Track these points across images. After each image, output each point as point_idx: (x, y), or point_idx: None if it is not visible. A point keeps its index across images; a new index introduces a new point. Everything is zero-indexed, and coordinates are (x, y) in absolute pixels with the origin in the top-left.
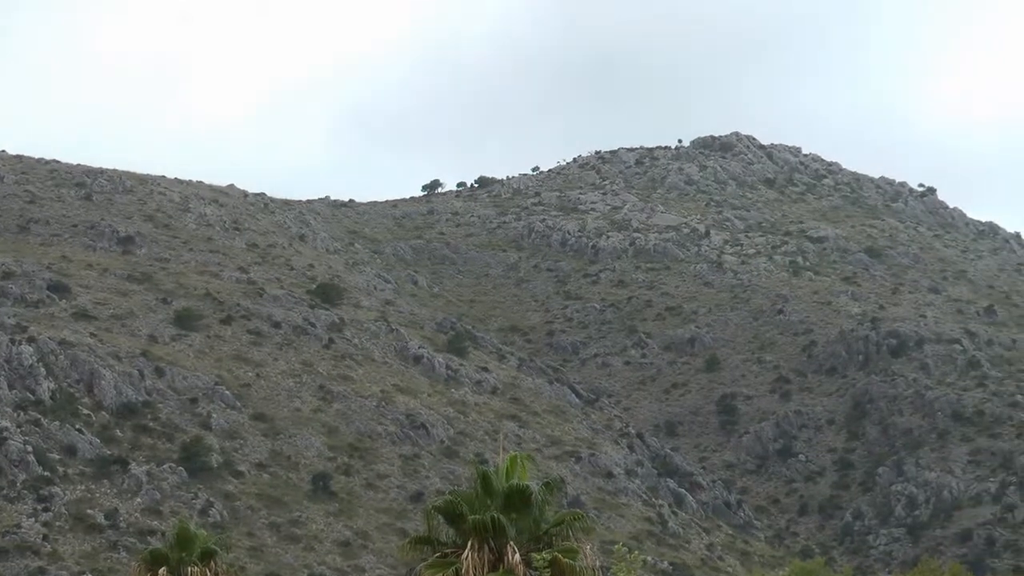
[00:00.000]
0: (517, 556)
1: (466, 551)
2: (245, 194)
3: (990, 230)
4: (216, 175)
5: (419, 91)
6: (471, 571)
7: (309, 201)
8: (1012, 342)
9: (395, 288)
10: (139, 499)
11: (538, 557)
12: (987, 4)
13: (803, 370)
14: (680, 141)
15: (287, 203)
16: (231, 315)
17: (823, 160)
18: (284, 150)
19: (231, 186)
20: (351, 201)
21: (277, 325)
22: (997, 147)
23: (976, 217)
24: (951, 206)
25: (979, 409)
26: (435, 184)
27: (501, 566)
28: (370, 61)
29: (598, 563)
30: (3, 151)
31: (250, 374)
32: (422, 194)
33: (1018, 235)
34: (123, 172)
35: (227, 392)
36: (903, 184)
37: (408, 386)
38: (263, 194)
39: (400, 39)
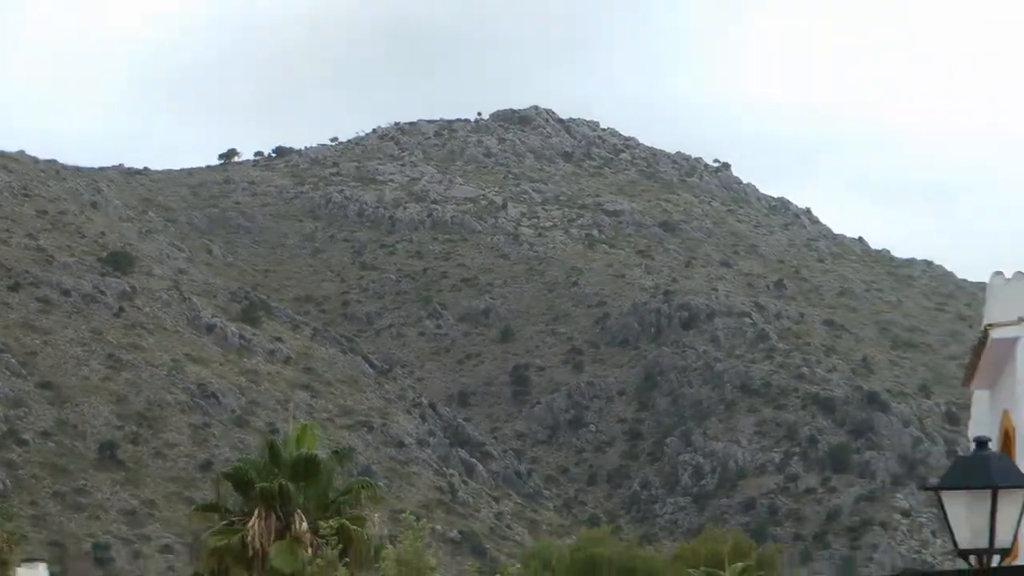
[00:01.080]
0: (304, 524)
1: (253, 519)
2: (36, 160)
3: (782, 205)
4: (5, 141)
5: (217, 58)
6: (257, 539)
7: (102, 168)
8: (800, 316)
9: (189, 257)
10: None
11: (325, 525)
12: None
13: (596, 342)
14: (480, 114)
15: (79, 170)
16: (19, 282)
17: (620, 135)
18: (77, 117)
19: (21, 152)
20: (145, 169)
21: (67, 293)
22: (790, 125)
23: (768, 193)
24: (745, 181)
25: (766, 381)
26: (231, 153)
27: (288, 534)
28: (165, 25)
29: (386, 532)
30: None
31: (37, 342)
32: (218, 163)
33: (808, 211)
34: None
35: (12, 360)
36: (699, 160)
37: (200, 355)
38: (54, 160)
39: (196, 3)
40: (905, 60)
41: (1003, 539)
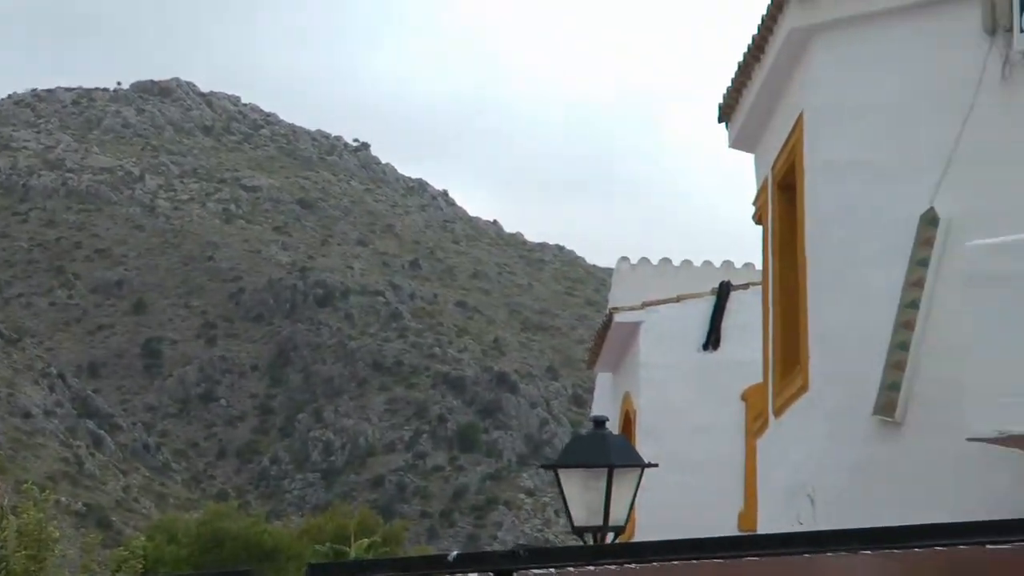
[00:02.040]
0: None
1: None
2: None
3: (419, 186)
4: None
5: None
6: None
7: None
8: (434, 296)
9: None
10: None
11: None
12: None
13: (231, 317)
14: (120, 83)
15: None
16: None
17: (262, 110)
18: None
19: None
20: None
21: None
22: (432, 107)
23: (407, 173)
24: (384, 162)
25: (398, 360)
26: None
27: None
28: None
29: (6, 502)
30: None
31: None
32: None
33: (445, 192)
34: None
35: None
36: (338, 138)
37: None
38: None
39: None
40: (542, 52)
41: (617, 517)
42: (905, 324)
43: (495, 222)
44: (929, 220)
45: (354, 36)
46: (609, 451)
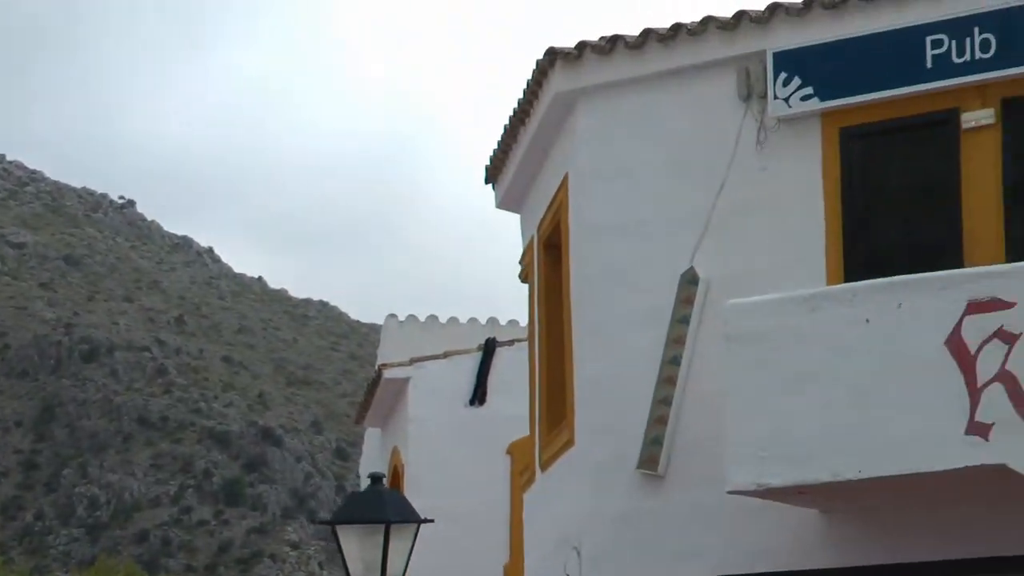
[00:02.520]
0: None
1: None
2: None
3: (185, 243)
4: None
5: None
6: None
7: None
8: (199, 351)
9: None
10: None
11: None
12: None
13: None
14: None
15: None
16: None
17: (26, 167)
18: None
19: None
20: None
21: None
22: (196, 164)
23: (173, 230)
24: (149, 219)
25: (164, 415)
26: None
27: None
28: None
29: None
30: None
31: None
32: None
33: (211, 249)
34: None
35: None
36: (104, 195)
37: None
38: None
39: None
40: (310, 106)
41: (394, 572)
42: (667, 380)
43: (260, 278)
44: (689, 279)
45: (117, 92)
46: (386, 507)
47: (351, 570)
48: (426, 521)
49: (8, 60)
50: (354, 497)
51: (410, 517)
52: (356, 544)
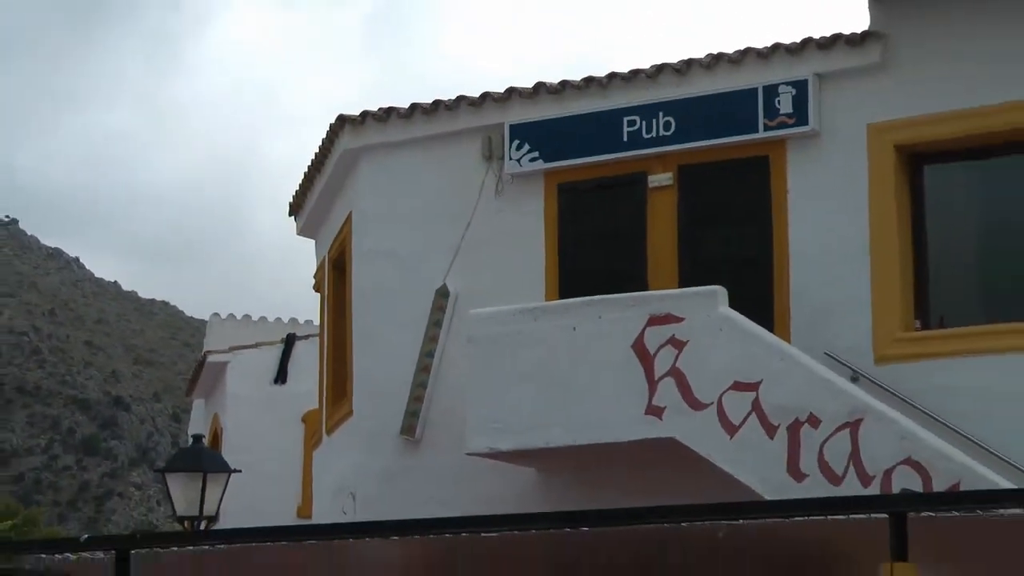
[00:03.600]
0: None
1: None
2: None
3: (57, 253)
4: None
5: None
6: None
7: None
8: (67, 337)
9: None
10: None
11: None
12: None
13: None
14: None
15: None
16: None
17: None
18: None
19: None
20: None
21: None
22: (70, 192)
23: (48, 243)
24: (30, 233)
25: (38, 385)
26: None
27: None
28: None
29: None
30: None
31: None
32: None
33: (78, 259)
34: None
35: None
36: None
37: None
38: None
39: None
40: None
41: (209, 509)
42: (423, 369)
43: (115, 282)
44: (442, 293)
45: (15, 133)
46: (204, 460)
47: (176, 507)
48: (235, 471)
49: None
50: (180, 452)
51: (222, 468)
52: (181, 487)
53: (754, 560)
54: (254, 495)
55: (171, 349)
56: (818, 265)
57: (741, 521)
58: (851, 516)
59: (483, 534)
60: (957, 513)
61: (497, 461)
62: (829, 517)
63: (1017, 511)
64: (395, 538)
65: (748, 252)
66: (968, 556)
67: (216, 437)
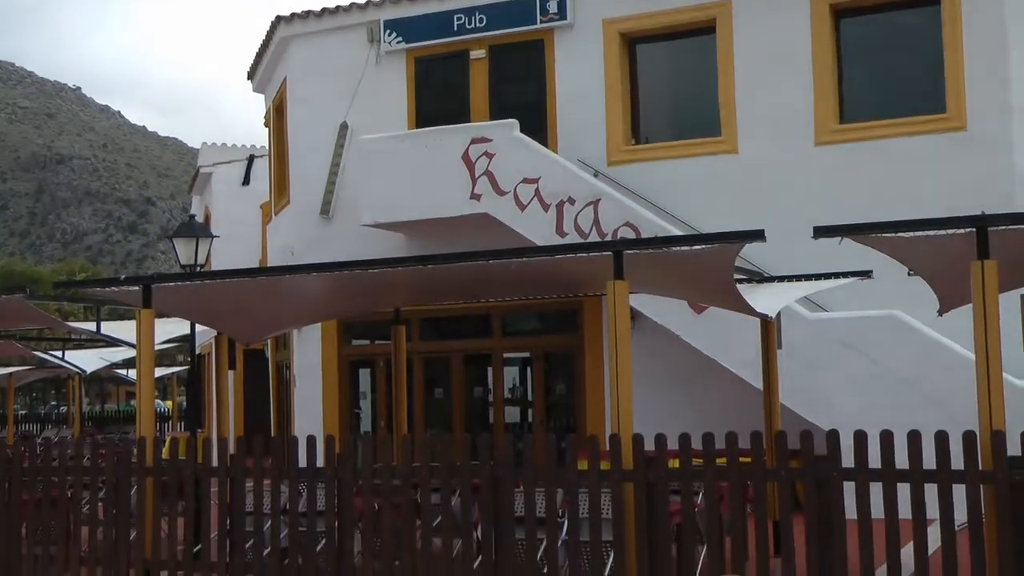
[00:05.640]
0: None
1: None
2: None
3: (107, 108)
4: None
5: None
6: None
7: None
8: (114, 160)
9: None
10: None
11: None
12: None
13: None
14: None
15: None
16: None
17: None
18: None
19: None
20: None
21: None
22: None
23: (100, 102)
24: (88, 96)
25: (98, 190)
26: None
27: None
28: None
29: None
30: None
31: None
32: None
33: (119, 111)
34: None
35: None
36: None
37: None
38: None
39: None
40: None
41: (201, 259)
42: (333, 174)
43: (144, 126)
44: (344, 127)
45: None
46: (196, 229)
47: (181, 259)
48: (215, 236)
49: None
50: (182, 225)
51: (208, 235)
52: (183, 247)
53: (534, 280)
54: (233, 255)
55: (179, 167)
56: (576, 106)
57: (525, 259)
58: (592, 254)
59: (370, 270)
60: (652, 250)
61: (379, 229)
62: (579, 255)
63: (687, 248)
64: (315, 274)
65: (532, 99)
66: (660, 277)
67: (208, 219)
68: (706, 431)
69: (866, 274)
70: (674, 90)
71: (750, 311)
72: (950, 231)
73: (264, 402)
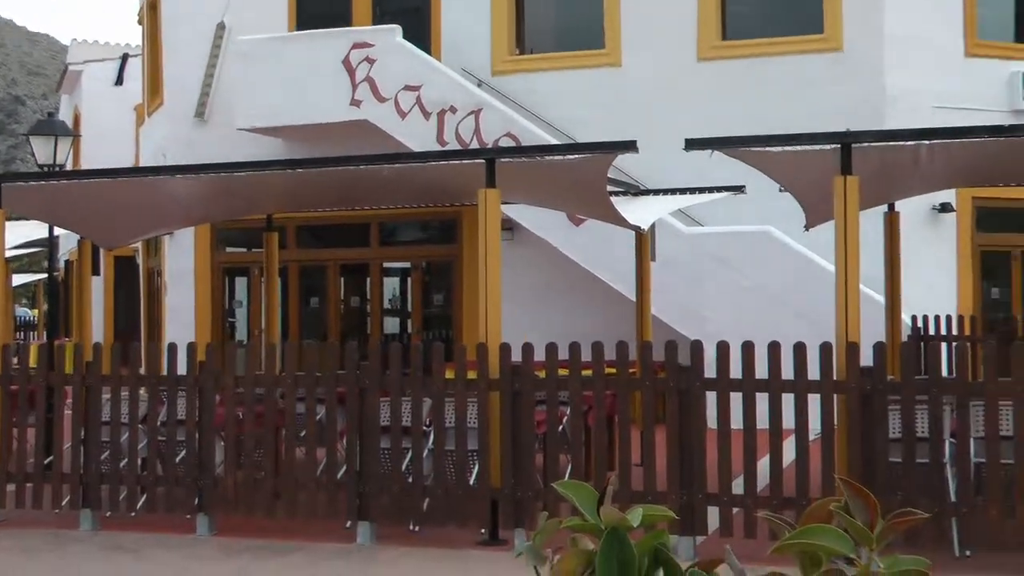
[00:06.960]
0: None
1: None
2: None
3: None
4: None
5: None
6: None
7: None
8: None
9: None
10: None
11: None
12: None
13: None
14: None
15: None
16: None
17: None
18: None
19: None
20: None
21: None
22: None
23: None
24: None
25: None
26: None
27: None
28: None
29: None
30: None
31: None
32: None
33: None
34: None
35: None
36: None
37: None
38: None
39: None
40: None
41: (60, 159)
42: (209, 75)
43: (11, 20)
44: (221, 27)
45: None
46: (55, 127)
47: (38, 158)
48: (77, 136)
49: None
50: (39, 123)
51: (68, 133)
52: (41, 145)
53: (409, 188)
54: (105, 158)
55: (52, 65)
56: (461, 14)
57: (397, 164)
58: (465, 161)
59: (243, 172)
60: (525, 158)
61: (256, 134)
62: (452, 162)
63: (560, 156)
64: (180, 176)
65: (416, 4)
66: (535, 187)
67: (76, 121)
68: (578, 342)
69: (739, 189)
70: (560, 1)
71: (624, 223)
72: (816, 146)
73: (135, 310)
